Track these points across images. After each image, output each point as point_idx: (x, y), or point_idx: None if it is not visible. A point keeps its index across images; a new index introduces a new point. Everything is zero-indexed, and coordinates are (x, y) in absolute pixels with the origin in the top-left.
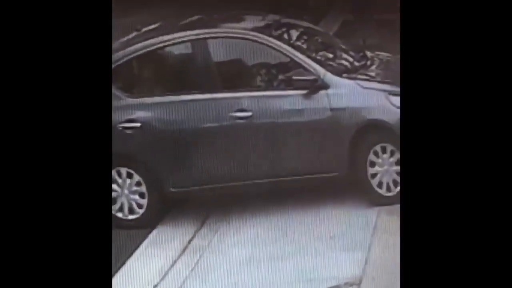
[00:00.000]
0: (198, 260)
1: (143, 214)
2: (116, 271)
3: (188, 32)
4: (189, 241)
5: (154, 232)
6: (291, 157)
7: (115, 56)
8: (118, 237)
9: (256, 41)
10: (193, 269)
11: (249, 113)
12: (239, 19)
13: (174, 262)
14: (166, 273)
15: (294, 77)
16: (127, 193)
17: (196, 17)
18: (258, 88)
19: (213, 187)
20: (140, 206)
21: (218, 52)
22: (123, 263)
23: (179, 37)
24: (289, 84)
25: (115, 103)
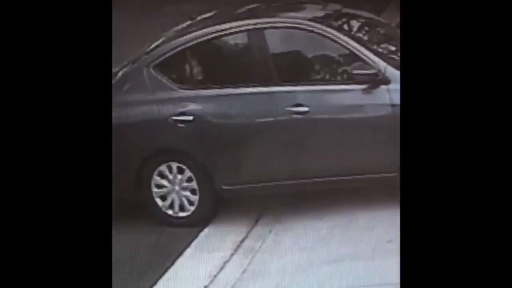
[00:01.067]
0: (250, 261)
1: (194, 211)
2: (165, 271)
3: (245, 22)
4: (241, 241)
5: (205, 231)
6: (350, 155)
7: (168, 45)
8: (168, 235)
9: (314, 31)
10: (245, 271)
11: (306, 108)
12: (298, 8)
13: (225, 263)
14: (216, 275)
15: (354, 71)
16: (178, 189)
17: (253, 5)
18: (316, 82)
19: (267, 185)
20: (191, 203)
21: (275, 43)
22: (173, 263)
23: (235, 27)
24: (349, 78)
25: (167, 94)
